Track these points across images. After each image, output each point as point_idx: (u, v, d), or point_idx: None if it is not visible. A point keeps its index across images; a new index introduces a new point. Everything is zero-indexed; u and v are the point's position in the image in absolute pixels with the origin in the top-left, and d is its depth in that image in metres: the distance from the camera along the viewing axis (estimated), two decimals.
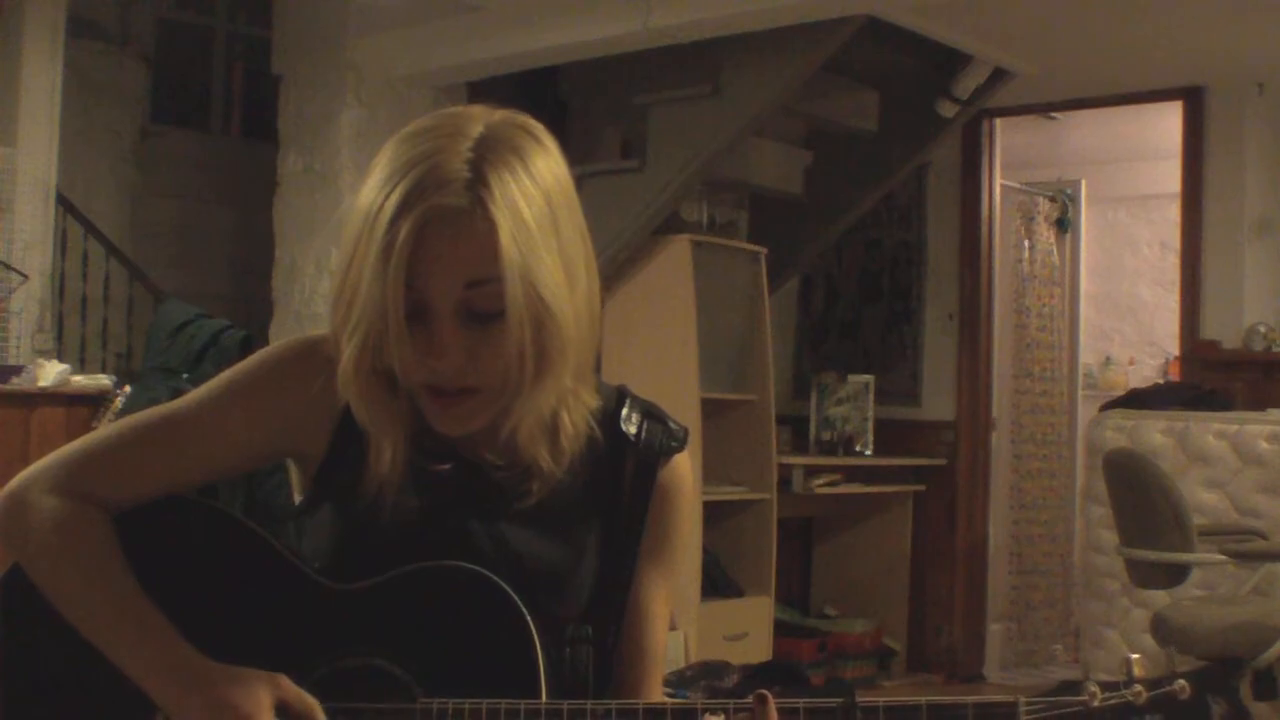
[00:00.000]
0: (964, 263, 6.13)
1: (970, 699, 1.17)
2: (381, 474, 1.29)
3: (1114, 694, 1.15)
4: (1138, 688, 1.15)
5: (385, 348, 1.22)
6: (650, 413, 1.41)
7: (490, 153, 1.22)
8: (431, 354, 1.22)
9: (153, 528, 1.33)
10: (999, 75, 5.43)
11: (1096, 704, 1.15)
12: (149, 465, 1.32)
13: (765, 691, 1.19)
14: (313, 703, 1.25)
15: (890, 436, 6.10)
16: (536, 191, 1.23)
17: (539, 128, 1.29)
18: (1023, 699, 1.16)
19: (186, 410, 1.34)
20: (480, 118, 1.26)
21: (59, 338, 5.45)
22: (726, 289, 5.35)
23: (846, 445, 5.97)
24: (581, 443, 1.35)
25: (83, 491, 1.31)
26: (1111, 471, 4.14)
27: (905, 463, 6.05)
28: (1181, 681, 1.14)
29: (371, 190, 1.22)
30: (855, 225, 6.19)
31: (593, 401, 1.36)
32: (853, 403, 6.06)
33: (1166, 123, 5.88)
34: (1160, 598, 4.36)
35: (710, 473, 5.10)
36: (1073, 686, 1.16)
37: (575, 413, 1.33)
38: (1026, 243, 6.51)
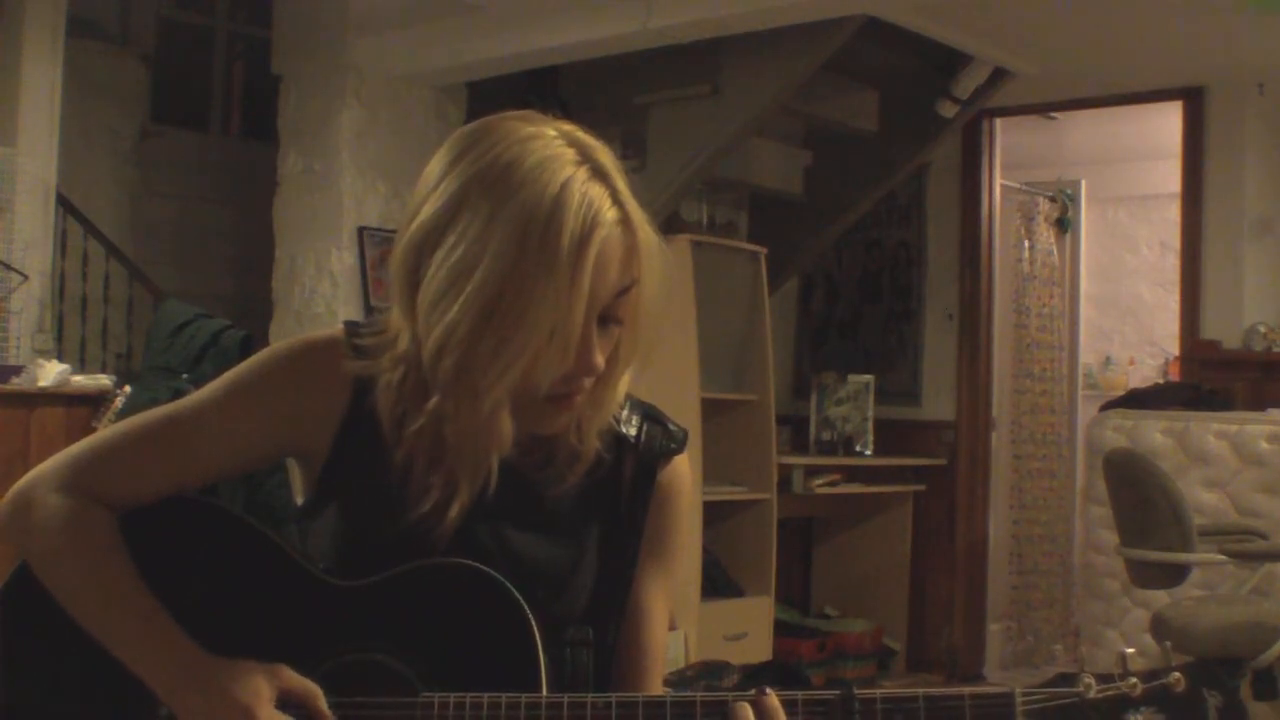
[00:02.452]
0: (964, 262, 6.13)
1: (967, 690, 1.18)
2: (465, 505, 1.28)
3: (1109, 686, 1.15)
4: (1133, 680, 1.15)
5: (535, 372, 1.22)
6: (649, 414, 1.42)
7: (593, 162, 1.23)
8: (587, 363, 1.23)
9: (157, 526, 1.34)
10: (999, 75, 5.42)
11: (1092, 695, 1.15)
12: (153, 465, 1.33)
13: (766, 687, 1.20)
14: (314, 689, 1.26)
15: (890, 436, 6.10)
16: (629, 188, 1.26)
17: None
18: (1019, 690, 1.17)
19: (190, 410, 1.34)
20: (540, 122, 1.26)
21: (59, 338, 5.44)
22: (726, 289, 5.34)
23: (846, 445, 5.97)
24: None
25: (88, 490, 1.32)
26: (1111, 471, 4.14)
27: (905, 463, 6.04)
28: (1176, 674, 1.14)
29: (515, 220, 1.19)
30: (855, 225, 6.19)
31: None
32: (853, 403, 6.05)
33: (1166, 123, 5.88)
34: (1160, 597, 4.36)
35: (710, 473, 5.09)
36: (1068, 679, 1.16)
37: None
38: (1026, 243, 6.51)
